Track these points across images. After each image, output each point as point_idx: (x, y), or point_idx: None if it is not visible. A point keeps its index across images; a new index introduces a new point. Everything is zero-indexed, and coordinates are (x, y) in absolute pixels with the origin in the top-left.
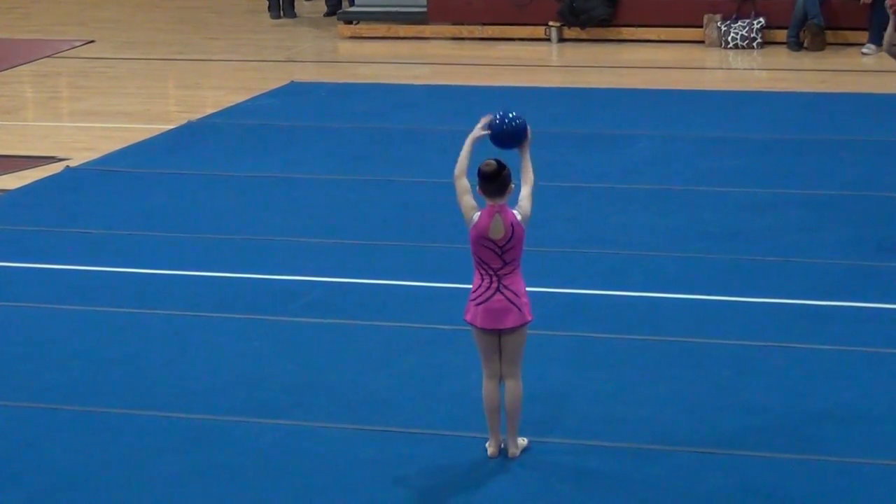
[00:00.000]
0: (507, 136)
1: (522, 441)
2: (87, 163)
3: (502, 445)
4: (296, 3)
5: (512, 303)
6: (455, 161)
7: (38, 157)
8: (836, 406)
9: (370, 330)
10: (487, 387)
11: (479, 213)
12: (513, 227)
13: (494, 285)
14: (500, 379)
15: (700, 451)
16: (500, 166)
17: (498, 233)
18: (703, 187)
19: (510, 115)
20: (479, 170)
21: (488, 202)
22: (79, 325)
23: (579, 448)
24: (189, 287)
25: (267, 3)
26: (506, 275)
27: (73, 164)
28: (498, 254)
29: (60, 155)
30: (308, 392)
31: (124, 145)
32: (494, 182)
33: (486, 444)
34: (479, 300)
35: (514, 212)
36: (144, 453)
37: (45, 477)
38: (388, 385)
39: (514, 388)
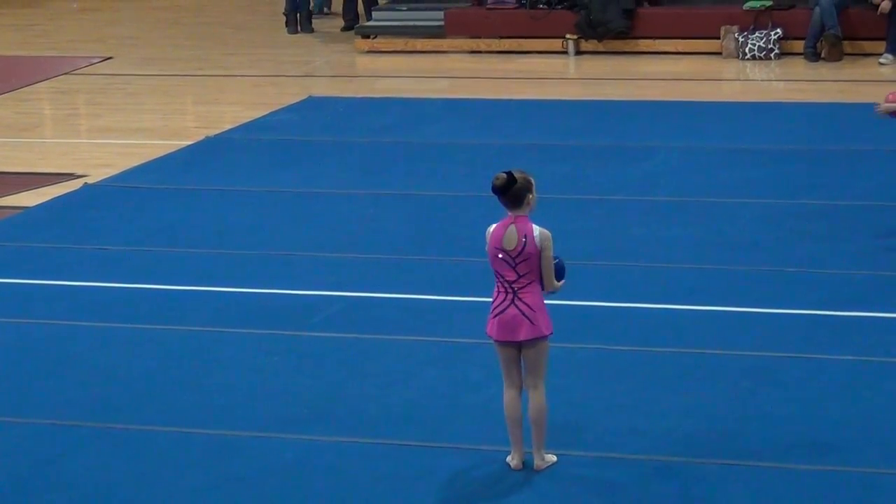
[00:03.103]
0: None
1: (551, 457)
2: (106, 179)
3: (525, 458)
4: (313, 18)
5: (525, 315)
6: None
7: (56, 174)
8: (856, 416)
9: (390, 344)
10: (508, 396)
11: (494, 226)
12: (526, 237)
13: (510, 298)
14: (522, 389)
15: (721, 462)
16: (512, 178)
17: (511, 243)
18: (722, 198)
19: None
20: (491, 184)
21: (508, 213)
22: (98, 342)
23: (600, 461)
24: (208, 302)
25: (284, 18)
26: (521, 287)
27: (91, 180)
28: (512, 265)
29: (79, 172)
30: (328, 406)
31: (143, 161)
32: (507, 193)
33: (508, 459)
34: (495, 312)
35: (535, 227)
36: (165, 469)
37: (67, 493)
38: (408, 399)
39: (537, 399)
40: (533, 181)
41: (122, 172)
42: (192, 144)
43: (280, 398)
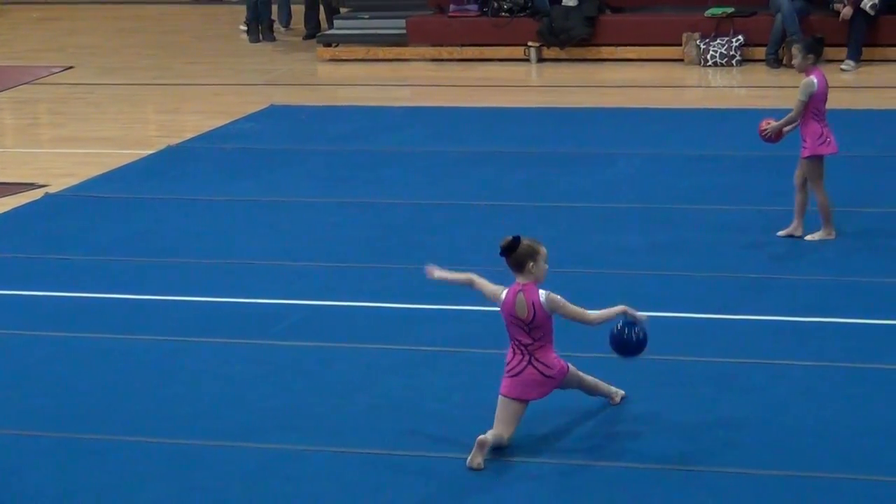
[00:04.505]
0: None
1: (621, 391)
2: (67, 189)
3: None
4: (274, 27)
5: (543, 375)
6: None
7: (17, 184)
8: (817, 422)
9: (351, 352)
10: (490, 433)
11: (505, 292)
12: (534, 307)
13: (526, 359)
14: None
15: (684, 468)
16: (515, 242)
17: (522, 312)
18: (684, 205)
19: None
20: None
21: (516, 278)
22: (61, 352)
23: (564, 468)
24: (170, 312)
25: (246, 26)
26: (536, 349)
27: (52, 190)
28: (526, 331)
29: (40, 181)
30: (290, 415)
31: (104, 171)
32: (509, 257)
33: (468, 461)
34: (511, 372)
35: (541, 293)
36: (128, 479)
37: None
38: (369, 407)
39: (583, 381)
40: (541, 251)
41: (83, 182)
42: (154, 153)
43: (243, 407)
